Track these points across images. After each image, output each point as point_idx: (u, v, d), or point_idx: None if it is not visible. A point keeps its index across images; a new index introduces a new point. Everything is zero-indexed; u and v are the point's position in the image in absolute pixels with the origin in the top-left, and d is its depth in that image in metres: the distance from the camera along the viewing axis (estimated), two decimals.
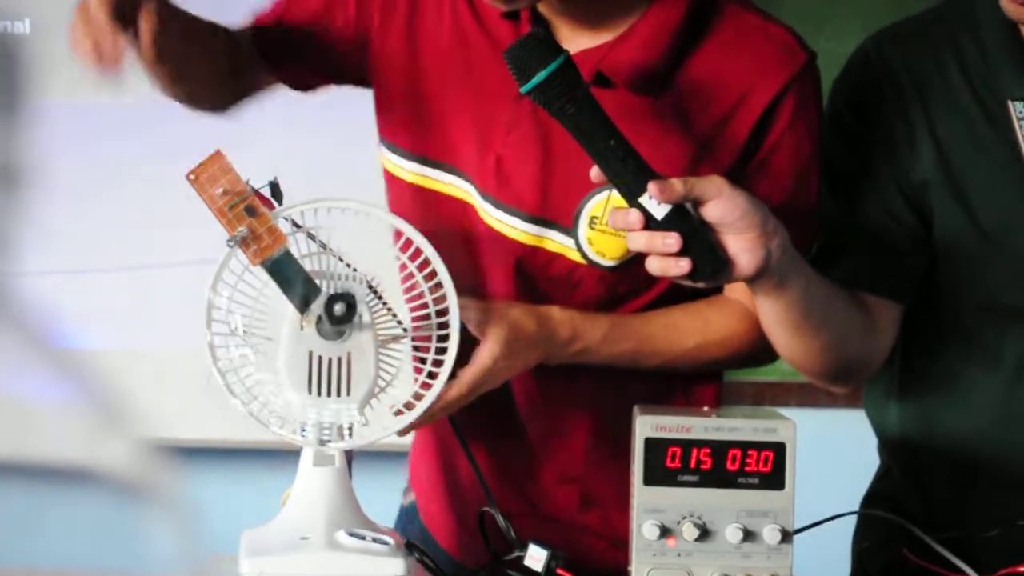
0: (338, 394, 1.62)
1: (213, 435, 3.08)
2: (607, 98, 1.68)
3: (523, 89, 1.61)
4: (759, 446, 1.63)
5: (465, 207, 1.82)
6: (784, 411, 1.71)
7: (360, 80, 1.88)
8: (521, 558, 1.66)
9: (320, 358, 1.62)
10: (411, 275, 1.65)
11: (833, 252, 1.83)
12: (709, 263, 1.60)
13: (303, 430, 1.64)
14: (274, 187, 1.62)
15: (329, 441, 1.64)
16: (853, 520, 1.98)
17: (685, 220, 1.59)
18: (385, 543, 1.60)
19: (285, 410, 1.63)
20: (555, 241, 1.79)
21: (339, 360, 1.62)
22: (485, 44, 1.79)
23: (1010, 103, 1.78)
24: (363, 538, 1.60)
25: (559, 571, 1.65)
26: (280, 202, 1.63)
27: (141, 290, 3.15)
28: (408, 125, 1.85)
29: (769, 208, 1.64)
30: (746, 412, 1.74)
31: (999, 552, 1.76)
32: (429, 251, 1.65)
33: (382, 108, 1.87)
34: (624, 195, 1.61)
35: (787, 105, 1.75)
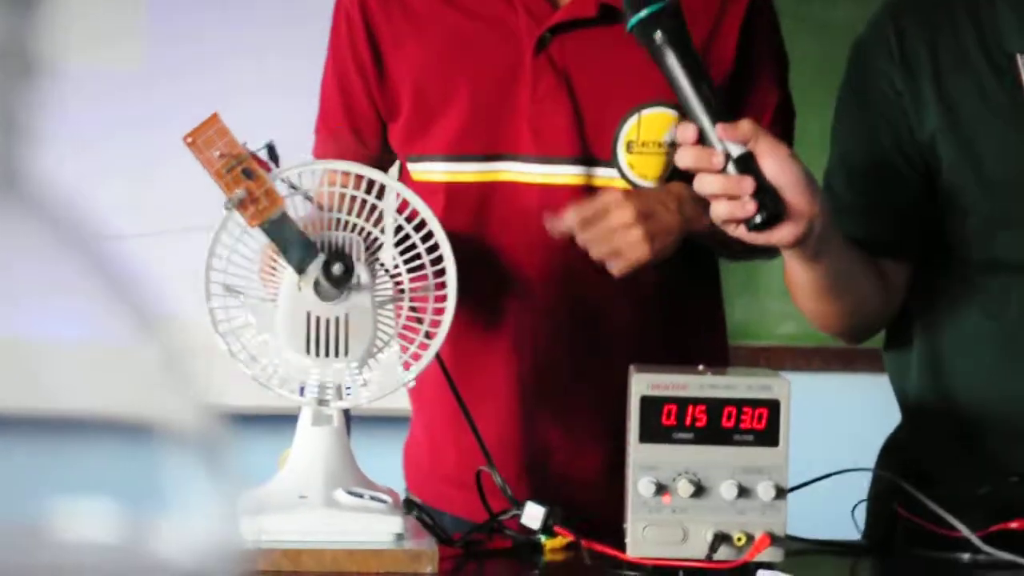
0: (336, 354, 1.64)
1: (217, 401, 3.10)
2: (611, 34, 1.87)
3: (632, 21, 1.66)
4: (754, 403, 1.64)
5: (502, 187, 1.93)
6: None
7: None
8: (519, 516, 1.68)
9: (318, 319, 1.63)
10: (408, 237, 1.66)
11: (849, 219, 1.85)
12: (769, 210, 1.62)
13: (302, 390, 1.66)
14: (271, 149, 1.63)
15: (327, 400, 1.65)
16: (847, 479, 2.00)
17: (753, 166, 1.62)
18: (383, 501, 1.62)
19: (284, 370, 1.65)
20: (601, 176, 1.93)
21: (337, 320, 1.63)
22: (477, 23, 1.93)
23: (1018, 56, 1.82)
24: (361, 496, 1.62)
25: (556, 528, 1.66)
26: (277, 164, 1.64)
27: (136, 257, 3.16)
28: (426, 129, 1.96)
29: (768, 114, 1.88)
30: (741, 371, 1.75)
31: (991, 508, 1.78)
32: (426, 213, 1.66)
33: (401, 126, 1.98)
34: (707, 136, 1.65)
35: (763, 8, 1.97)
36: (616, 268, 1.85)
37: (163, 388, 0.57)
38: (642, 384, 1.65)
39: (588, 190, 1.92)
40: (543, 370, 1.95)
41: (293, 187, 1.64)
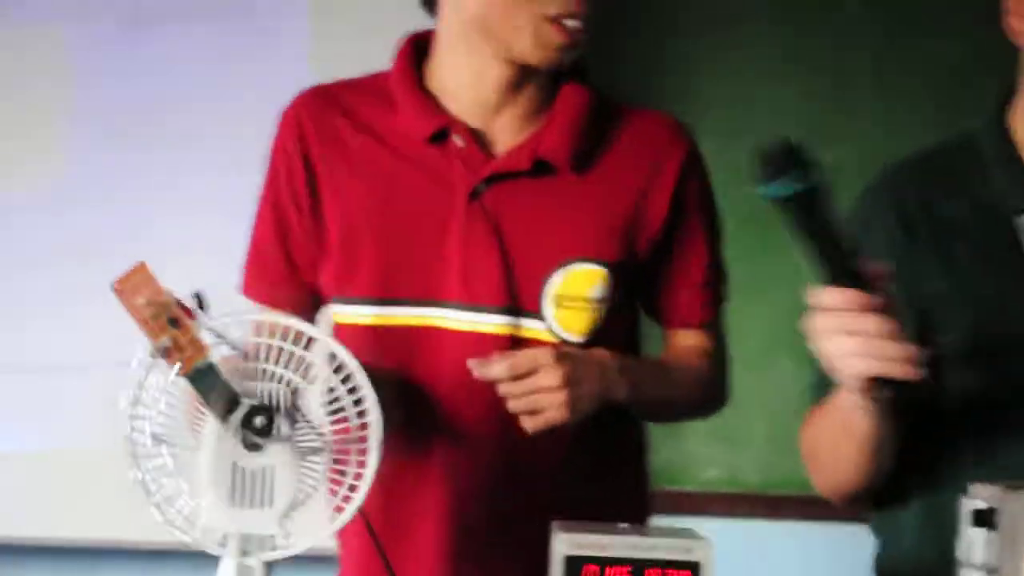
0: (260, 505, 1.63)
1: (134, 536, 3.06)
2: (544, 187, 1.94)
3: (772, 191, 1.63)
4: (676, 565, 1.64)
5: (428, 332, 1.96)
6: (704, 520, 1.75)
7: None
8: None
9: (242, 469, 1.62)
10: (332, 388, 1.66)
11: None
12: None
13: (223, 540, 1.64)
14: (199, 298, 1.63)
15: (250, 552, 1.64)
16: None
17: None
18: None
19: (207, 520, 1.64)
20: (528, 328, 1.96)
21: (261, 471, 1.63)
22: (411, 169, 1.98)
23: (1014, 218, 1.87)
24: None
25: None
26: (204, 312, 1.64)
27: (54, 391, 3.14)
28: (355, 271, 1.99)
29: (697, 277, 2.05)
30: (663, 531, 1.75)
31: None
32: (352, 365, 1.66)
33: (330, 267, 2.01)
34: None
35: (695, 166, 2.04)
36: (531, 425, 1.86)
37: None
38: (564, 544, 1.64)
39: (514, 341, 1.95)
40: (470, 524, 1.95)
41: (219, 337, 1.63)
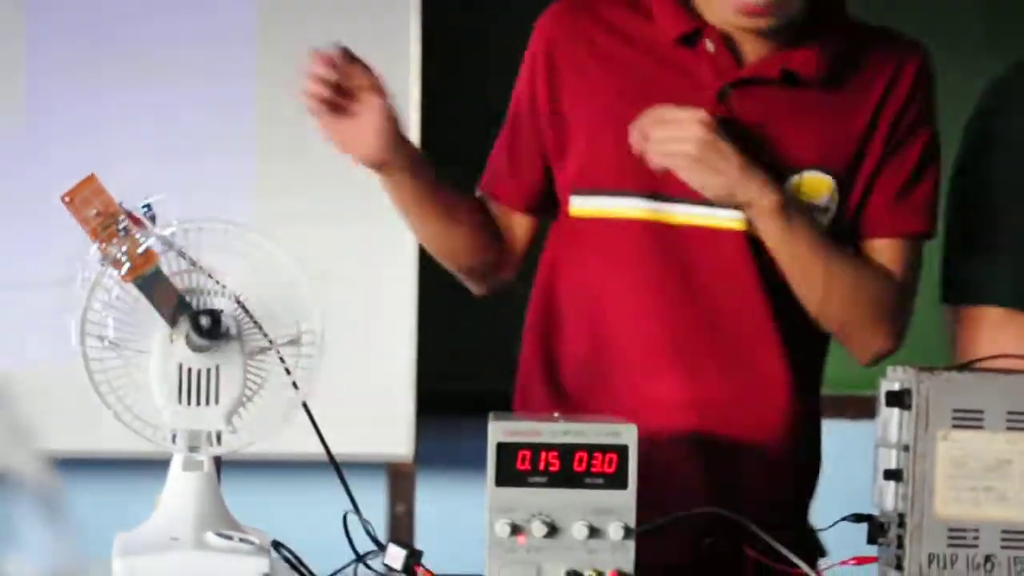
0: (207, 403, 1.72)
1: (89, 446, 3.14)
2: (788, 96, 2.05)
3: None
4: (604, 448, 1.73)
5: (666, 227, 2.08)
6: None
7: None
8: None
9: (189, 370, 1.72)
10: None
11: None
12: None
13: (173, 438, 1.74)
14: (147, 208, 1.72)
15: (198, 447, 1.73)
16: None
17: None
18: (251, 543, 1.70)
19: (156, 419, 1.73)
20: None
21: (207, 371, 1.72)
22: (663, 69, 2.08)
23: None
24: (231, 538, 1.70)
25: (416, 568, 1.74)
26: (153, 222, 1.72)
27: (6, 309, 3.21)
28: (597, 164, 2.10)
29: (901, 184, 2.09)
30: (593, 418, 1.84)
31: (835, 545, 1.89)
32: (295, 271, 1.75)
33: (573, 163, 2.12)
34: None
35: (923, 83, 2.11)
36: (653, 158, 1.98)
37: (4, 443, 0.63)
38: (498, 431, 1.74)
39: (748, 237, 2.06)
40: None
41: (168, 244, 1.72)
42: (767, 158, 2.04)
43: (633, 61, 2.09)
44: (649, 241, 2.07)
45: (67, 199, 1.69)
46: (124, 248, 1.69)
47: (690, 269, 2.07)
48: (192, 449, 1.73)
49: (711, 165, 1.97)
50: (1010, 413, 1.73)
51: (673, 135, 1.97)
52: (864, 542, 1.80)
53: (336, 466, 1.85)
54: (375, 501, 3.55)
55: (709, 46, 2.06)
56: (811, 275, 2.05)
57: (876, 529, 1.79)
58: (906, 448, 1.75)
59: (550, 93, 2.12)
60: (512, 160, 2.17)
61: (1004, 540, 1.73)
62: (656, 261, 2.07)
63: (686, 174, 1.98)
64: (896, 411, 1.76)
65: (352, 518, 1.81)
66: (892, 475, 1.76)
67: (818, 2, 2.09)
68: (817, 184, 2.07)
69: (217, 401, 1.72)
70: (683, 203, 2.06)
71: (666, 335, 2.07)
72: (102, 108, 3.26)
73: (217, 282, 1.73)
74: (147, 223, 1.72)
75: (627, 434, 1.74)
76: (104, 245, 1.69)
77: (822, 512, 2.08)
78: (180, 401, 1.72)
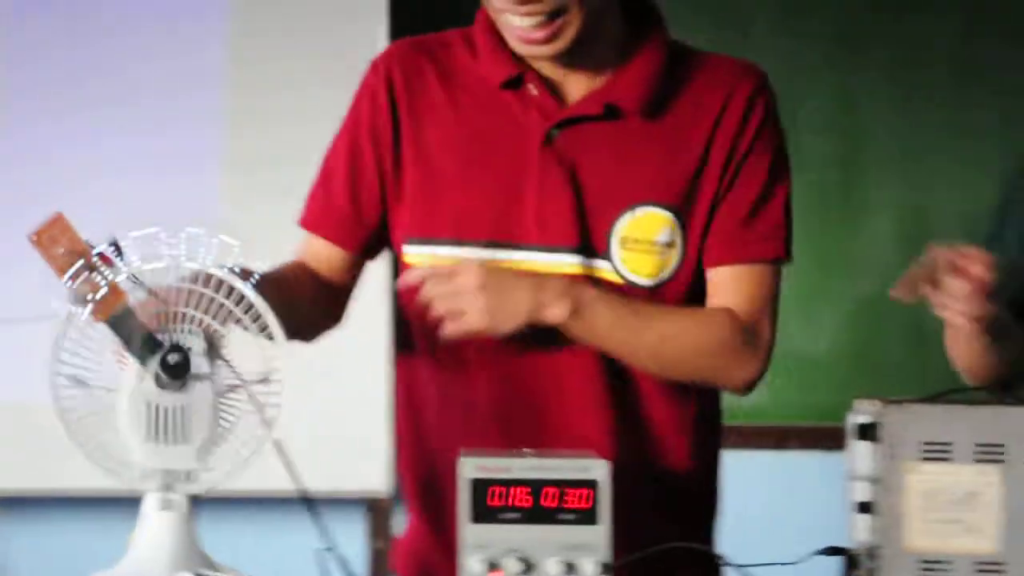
0: (178, 442, 1.72)
1: (62, 484, 3.13)
2: (615, 132, 2.03)
3: None
4: (575, 484, 1.74)
5: None
6: None
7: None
8: None
9: (159, 408, 1.72)
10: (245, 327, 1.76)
11: None
12: None
13: (146, 477, 1.73)
14: (115, 246, 1.72)
15: (171, 486, 1.73)
16: None
17: None
18: None
19: (128, 458, 1.73)
20: (599, 268, 2.05)
21: (177, 409, 1.72)
22: (490, 116, 2.07)
23: None
24: None
25: None
26: (121, 259, 1.72)
27: None
28: (432, 213, 2.08)
29: (740, 211, 2.06)
30: (564, 454, 1.85)
31: None
32: (266, 313, 1.75)
33: (406, 208, 2.10)
34: None
35: (758, 107, 2.08)
36: (450, 329, 1.96)
37: None
38: (470, 468, 1.74)
39: (588, 280, 2.04)
40: None
41: (136, 282, 1.72)
42: (598, 199, 2.04)
43: (466, 107, 2.09)
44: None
45: (35, 238, 1.69)
46: (92, 286, 1.69)
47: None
48: (165, 488, 1.73)
49: (501, 306, 1.96)
50: (978, 445, 1.73)
51: (455, 289, 1.96)
52: None
53: (308, 502, 1.85)
54: (354, 537, 3.55)
55: (532, 90, 2.07)
56: (638, 352, 2.04)
57: (849, 562, 1.79)
58: (876, 481, 1.75)
59: (393, 135, 2.11)
60: (354, 198, 2.13)
61: (975, 572, 1.73)
62: None
63: (482, 326, 1.97)
64: (865, 444, 1.77)
65: (326, 554, 1.81)
66: (863, 508, 1.76)
67: (636, 27, 2.09)
68: (653, 220, 2.05)
69: (188, 439, 1.72)
70: (522, 250, 2.05)
71: (494, 393, 2.08)
72: (72, 127, 3.25)
73: (186, 319, 1.73)
74: (115, 261, 1.72)
75: (598, 470, 1.74)
76: (72, 284, 1.69)
77: (800, 545, 2.08)
78: (151, 440, 1.72)
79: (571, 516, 1.73)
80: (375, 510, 3.51)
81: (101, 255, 1.71)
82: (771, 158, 2.10)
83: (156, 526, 1.74)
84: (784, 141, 2.12)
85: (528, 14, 1.99)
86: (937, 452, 1.74)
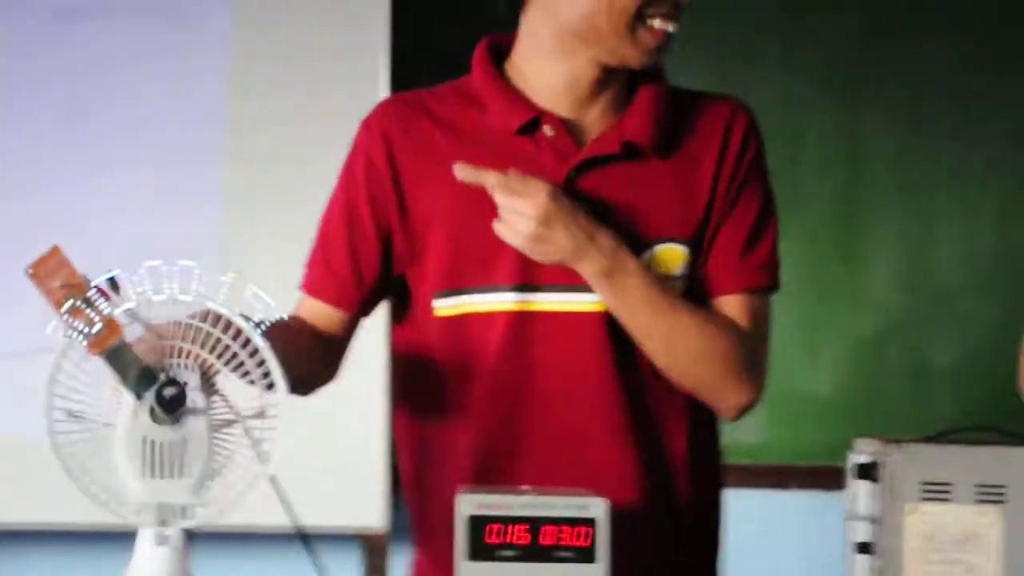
0: (173, 476, 1.71)
1: (53, 518, 3.12)
2: (632, 170, 2.07)
3: None
4: (573, 522, 1.73)
5: (529, 316, 2.08)
6: None
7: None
8: None
9: (154, 442, 1.71)
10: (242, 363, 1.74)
11: None
12: None
13: (141, 512, 1.72)
14: (112, 280, 1.71)
15: (167, 522, 1.72)
16: None
17: None
18: None
19: (123, 492, 1.72)
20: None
21: (173, 444, 1.71)
22: (504, 162, 2.05)
23: None
24: None
25: None
26: (118, 293, 1.71)
27: None
28: (463, 264, 2.09)
29: (739, 240, 2.11)
30: (563, 492, 1.84)
31: None
32: (263, 348, 1.74)
33: (433, 265, 2.11)
34: None
35: (753, 140, 2.14)
36: (497, 228, 2.02)
37: None
38: (468, 504, 1.73)
39: (609, 317, 2.06)
40: None
41: (133, 317, 1.71)
42: (619, 238, 2.05)
43: (475, 157, 2.07)
44: (512, 332, 2.07)
45: (31, 271, 1.68)
46: (89, 320, 1.68)
47: (547, 354, 2.07)
48: (160, 523, 1.72)
49: (546, 239, 2.00)
50: (978, 486, 1.73)
51: (516, 207, 2.00)
52: None
53: (304, 538, 1.84)
54: (349, 573, 3.54)
55: (548, 131, 2.08)
56: (654, 335, 2.06)
57: None
58: (875, 521, 1.74)
59: (397, 199, 2.12)
60: (353, 263, 2.15)
61: None
62: (516, 352, 2.07)
63: (523, 247, 2.02)
64: (865, 483, 1.76)
65: None
66: (862, 548, 1.75)
67: (635, 72, 2.12)
68: (672, 255, 2.09)
69: (184, 474, 1.71)
70: (548, 291, 2.07)
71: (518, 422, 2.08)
72: (72, 163, 3.25)
73: (183, 353, 1.72)
74: (111, 294, 1.71)
75: (596, 508, 1.73)
76: (69, 317, 1.68)
77: None
78: (147, 474, 1.70)
79: (569, 554, 1.72)
80: (371, 545, 3.50)
81: (98, 288, 1.70)
82: (764, 189, 2.15)
83: (150, 561, 1.72)
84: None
85: (672, 17, 2.05)
86: (937, 492, 1.73)
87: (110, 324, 1.69)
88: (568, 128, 2.09)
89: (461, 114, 2.12)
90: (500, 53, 2.16)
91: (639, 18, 2.04)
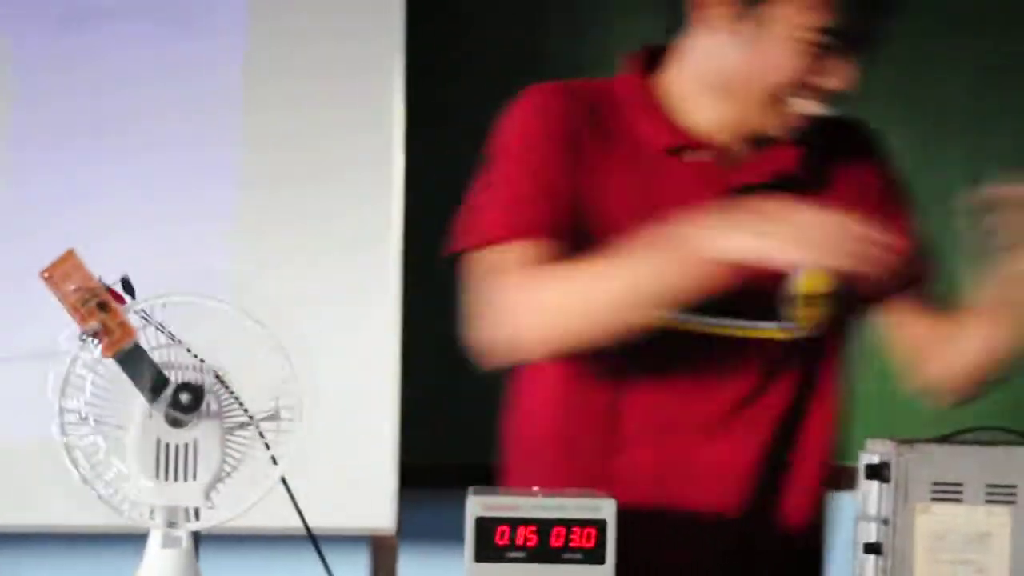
0: (185, 479, 1.72)
1: (61, 521, 3.12)
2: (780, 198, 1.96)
3: None
4: (582, 523, 1.73)
5: (684, 337, 2.06)
6: None
7: None
8: None
9: (168, 445, 1.71)
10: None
11: None
12: None
13: (151, 514, 1.73)
14: (125, 283, 1.72)
15: (176, 524, 1.73)
16: None
17: None
18: None
19: (135, 495, 1.72)
20: (766, 328, 2.09)
21: (186, 446, 1.72)
22: (655, 176, 2.06)
23: None
24: None
25: None
26: (132, 296, 1.72)
27: None
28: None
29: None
30: (571, 492, 1.84)
31: None
32: (279, 353, 1.75)
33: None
34: None
35: (891, 169, 2.21)
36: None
37: None
38: (476, 506, 1.74)
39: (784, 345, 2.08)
40: None
41: (146, 319, 1.72)
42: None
43: (625, 163, 2.06)
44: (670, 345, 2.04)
45: (46, 275, 1.69)
46: (103, 323, 1.69)
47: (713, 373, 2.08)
48: (170, 525, 1.73)
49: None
50: (989, 486, 1.73)
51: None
52: None
53: (313, 539, 1.85)
54: (359, 574, 3.54)
55: (700, 156, 2.07)
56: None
57: None
58: (885, 521, 1.75)
59: (572, 167, 2.06)
60: (545, 191, 2.04)
61: None
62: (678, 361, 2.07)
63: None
64: (875, 484, 1.77)
65: None
66: (872, 548, 1.75)
67: None
68: (821, 277, 2.04)
69: (195, 476, 1.72)
70: (701, 314, 2.04)
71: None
72: (86, 179, 3.27)
73: (196, 357, 1.73)
74: (126, 298, 1.72)
75: (605, 509, 1.73)
76: (83, 320, 1.69)
77: None
78: (158, 476, 1.71)
79: (578, 555, 1.73)
80: (379, 548, 3.50)
81: (111, 291, 1.71)
82: (904, 204, 2.22)
83: (159, 563, 1.73)
84: None
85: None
86: (948, 493, 1.73)
87: (124, 327, 1.70)
88: (718, 154, 2.08)
89: (611, 116, 2.09)
90: (655, 59, 2.13)
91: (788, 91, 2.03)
